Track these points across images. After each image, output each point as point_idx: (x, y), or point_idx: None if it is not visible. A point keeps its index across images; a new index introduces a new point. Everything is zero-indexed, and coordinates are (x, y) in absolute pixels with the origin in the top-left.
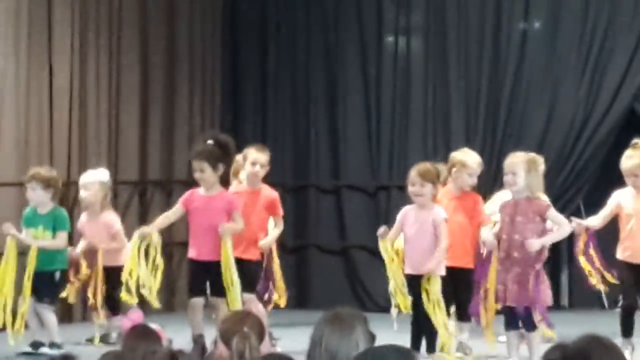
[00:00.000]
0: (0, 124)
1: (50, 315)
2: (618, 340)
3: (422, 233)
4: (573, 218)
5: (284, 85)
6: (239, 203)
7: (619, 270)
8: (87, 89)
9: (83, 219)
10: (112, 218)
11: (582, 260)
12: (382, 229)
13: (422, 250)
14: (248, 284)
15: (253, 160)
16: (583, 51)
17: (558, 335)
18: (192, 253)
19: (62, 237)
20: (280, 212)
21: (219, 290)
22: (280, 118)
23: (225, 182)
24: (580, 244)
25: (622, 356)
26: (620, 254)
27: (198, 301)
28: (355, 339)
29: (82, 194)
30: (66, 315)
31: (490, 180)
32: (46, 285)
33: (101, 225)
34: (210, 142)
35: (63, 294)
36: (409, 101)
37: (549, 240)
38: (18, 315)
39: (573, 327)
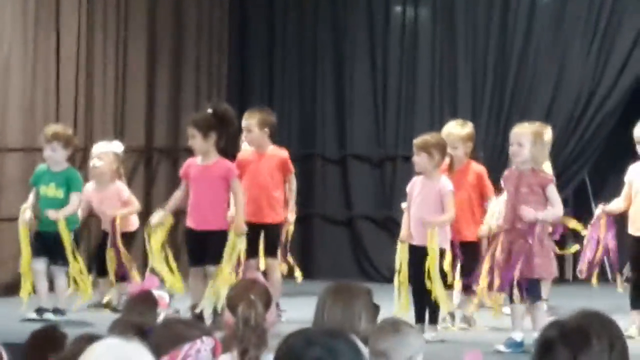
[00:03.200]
0: (7, 92)
1: (63, 279)
2: (619, 316)
3: (426, 203)
4: (600, 206)
5: (290, 54)
6: (235, 170)
7: (629, 244)
8: (94, 56)
9: (89, 187)
10: (121, 186)
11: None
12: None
13: (442, 221)
14: (270, 249)
15: (244, 127)
16: (591, 24)
17: (564, 308)
18: (190, 222)
19: (77, 198)
20: (292, 169)
21: (216, 259)
22: (287, 86)
23: (224, 151)
24: (601, 230)
25: (620, 330)
26: (630, 228)
27: (198, 270)
28: (357, 311)
29: (96, 163)
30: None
31: (496, 151)
32: (60, 246)
33: (111, 193)
34: (209, 110)
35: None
36: (416, 72)
37: (541, 215)
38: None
39: (577, 300)
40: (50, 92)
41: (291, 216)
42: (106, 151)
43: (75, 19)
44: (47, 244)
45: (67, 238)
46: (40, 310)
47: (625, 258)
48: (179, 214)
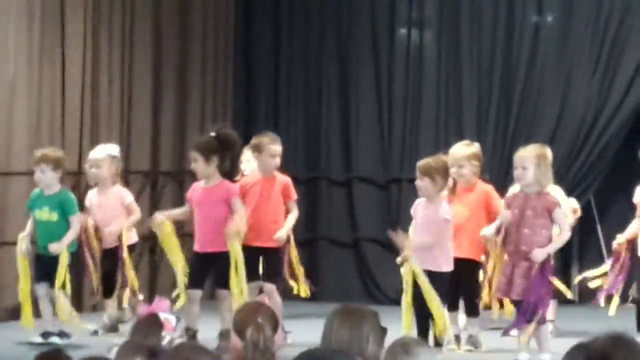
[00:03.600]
0: (12, 115)
1: (63, 301)
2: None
3: (426, 228)
4: (619, 236)
5: (296, 76)
6: (236, 190)
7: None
8: (99, 79)
9: (92, 195)
10: (123, 190)
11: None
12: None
13: (424, 244)
14: (270, 274)
15: (273, 153)
16: (596, 46)
17: (567, 329)
18: (196, 246)
19: (76, 221)
20: (295, 195)
21: (223, 282)
22: (292, 109)
23: (229, 174)
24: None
25: None
26: None
27: (195, 293)
28: (365, 332)
29: (93, 170)
30: (75, 304)
31: (502, 174)
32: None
33: (113, 197)
34: (212, 134)
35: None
36: (421, 94)
37: (552, 249)
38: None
39: (582, 322)
40: (55, 116)
41: (280, 233)
42: (102, 157)
43: (80, 41)
44: (47, 269)
45: (63, 266)
46: (45, 334)
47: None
48: (185, 238)
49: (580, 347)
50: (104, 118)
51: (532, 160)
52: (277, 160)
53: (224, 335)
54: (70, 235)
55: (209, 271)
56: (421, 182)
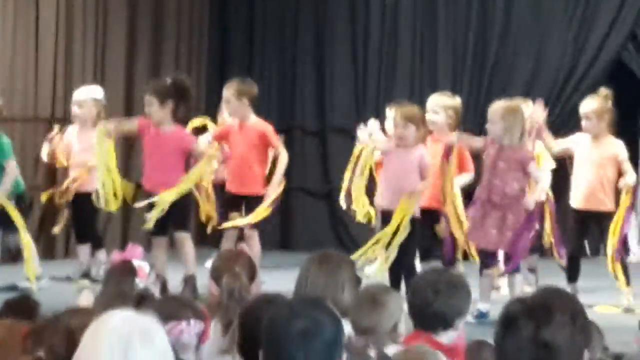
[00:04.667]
0: None
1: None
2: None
3: (404, 173)
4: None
5: (270, 26)
6: (192, 137)
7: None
8: (73, 26)
9: (72, 132)
10: None
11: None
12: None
13: (401, 189)
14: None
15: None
16: (571, 1)
17: (542, 282)
18: (146, 184)
19: (11, 166)
20: (274, 143)
21: (182, 225)
22: (266, 60)
23: (183, 122)
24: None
25: (581, 305)
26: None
27: (161, 240)
28: (341, 280)
29: (76, 110)
30: (48, 251)
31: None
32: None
33: (92, 139)
34: (168, 80)
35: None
36: (397, 44)
37: (537, 197)
38: None
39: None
40: (29, 62)
41: (271, 190)
42: (85, 98)
43: None
44: None
45: (13, 214)
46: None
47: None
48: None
49: (518, 299)
50: (78, 68)
51: (499, 113)
52: (230, 105)
53: (188, 281)
54: (7, 181)
55: (167, 216)
56: (405, 131)
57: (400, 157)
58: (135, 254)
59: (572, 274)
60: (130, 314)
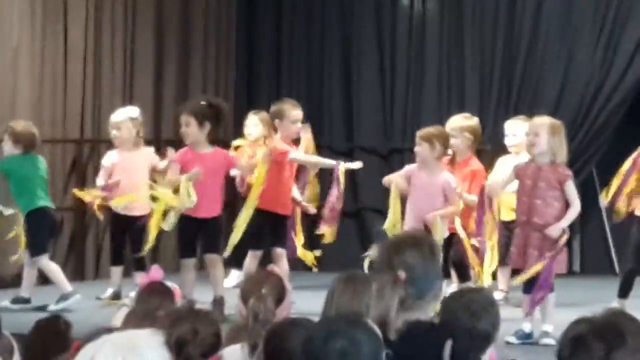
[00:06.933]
0: (16, 84)
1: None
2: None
3: (430, 196)
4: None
5: (298, 47)
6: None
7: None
8: (101, 49)
9: (115, 157)
10: (149, 150)
11: None
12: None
13: (425, 212)
14: (279, 239)
15: (294, 118)
16: (599, 16)
17: (571, 300)
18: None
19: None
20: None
21: (213, 247)
22: (294, 80)
23: (221, 144)
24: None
25: None
26: None
27: (189, 261)
28: (366, 301)
29: (114, 132)
30: (78, 273)
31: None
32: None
33: (141, 158)
34: (202, 102)
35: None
36: (424, 64)
37: (564, 223)
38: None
39: (585, 292)
40: (58, 85)
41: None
42: (122, 119)
43: (82, 11)
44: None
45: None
46: (16, 300)
47: None
48: None
49: (582, 321)
50: (107, 89)
51: (545, 128)
52: (299, 126)
53: (217, 302)
54: None
55: (198, 237)
56: (419, 148)
57: (423, 181)
58: (157, 276)
59: (625, 290)
60: (130, 332)
